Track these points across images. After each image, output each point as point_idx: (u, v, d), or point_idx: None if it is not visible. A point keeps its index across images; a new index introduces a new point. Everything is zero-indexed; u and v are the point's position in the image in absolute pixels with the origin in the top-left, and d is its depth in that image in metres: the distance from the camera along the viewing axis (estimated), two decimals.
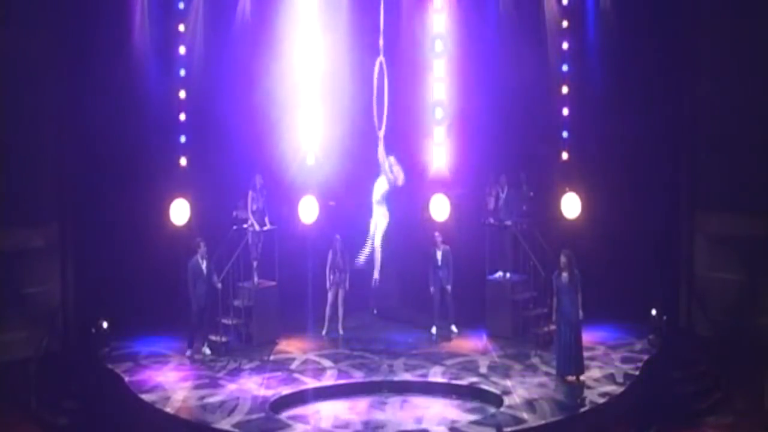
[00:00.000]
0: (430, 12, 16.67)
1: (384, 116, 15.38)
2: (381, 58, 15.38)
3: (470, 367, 14.94)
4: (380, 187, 15.74)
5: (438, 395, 14.22)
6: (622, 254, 16.95)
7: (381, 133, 15.46)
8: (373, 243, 15.56)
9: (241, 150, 16.89)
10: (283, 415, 13.36)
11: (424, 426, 13.10)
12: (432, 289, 16.40)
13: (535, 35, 16.89)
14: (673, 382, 14.62)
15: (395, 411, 13.74)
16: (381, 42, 15.02)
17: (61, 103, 16.24)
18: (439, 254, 16.43)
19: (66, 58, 16.23)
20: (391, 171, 15.47)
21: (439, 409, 13.85)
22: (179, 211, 16.15)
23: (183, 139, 16.46)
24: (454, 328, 16.60)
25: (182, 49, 16.34)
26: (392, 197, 15.81)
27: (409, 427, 13.04)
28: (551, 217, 16.82)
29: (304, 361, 15.37)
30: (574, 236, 15.98)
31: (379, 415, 13.59)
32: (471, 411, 13.70)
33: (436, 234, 16.47)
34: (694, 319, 16.81)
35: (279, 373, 14.74)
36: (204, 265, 15.49)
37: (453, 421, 13.19)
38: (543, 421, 12.83)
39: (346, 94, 16.66)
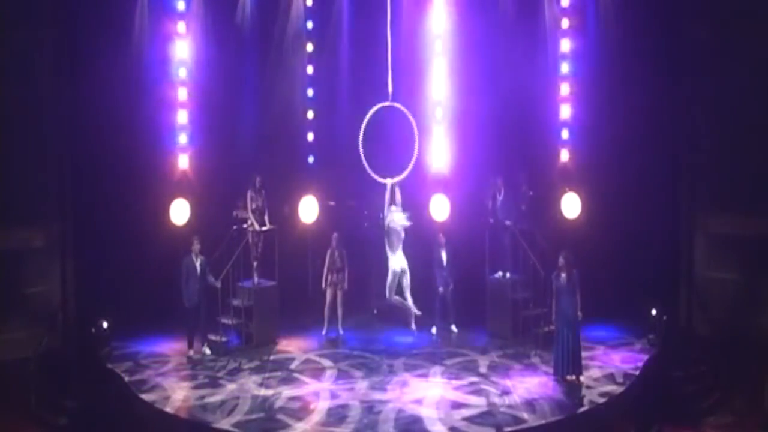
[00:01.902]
0: (430, 12, 16.69)
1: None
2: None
3: (470, 367, 14.95)
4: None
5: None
6: (622, 254, 16.95)
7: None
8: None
9: (241, 150, 16.91)
10: (282, 397, 13.63)
11: (424, 408, 13.21)
12: (441, 289, 16.41)
13: (535, 35, 16.89)
14: (673, 382, 14.62)
15: (395, 393, 13.81)
16: (389, 46, 14.83)
17: (61, 102, 16.24)
18: (443, 254, 16.44)
19: (66, 58, 16.24)
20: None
21: (438, 391, 13.91)
22: (179, 211, 16.16)
23: (184, 139, 16.48)
24: (454, 328, 16.62)
25: (182, 49, 16.35)
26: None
27: (409, 410, 13.15)
28: (551, 217, 16.82)
29: (304, 361, 15.38)
30: (574, 236, 15.98)
31: (378, 397, 13.69)
32: (472, 393, 13.80)
33: (441, 235, 16.49)
34: (694, 319, 16.80)
35: (279, 373, 14.76)
36: (198, 264, 15.49)
37: (453, 404, 13.35)
38: (543, 421, 12.84)
39: (347, 93, 16.69)
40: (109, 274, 16.46)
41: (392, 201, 14.53)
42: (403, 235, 14.61)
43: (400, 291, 14.54)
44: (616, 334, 16.35)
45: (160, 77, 16.36)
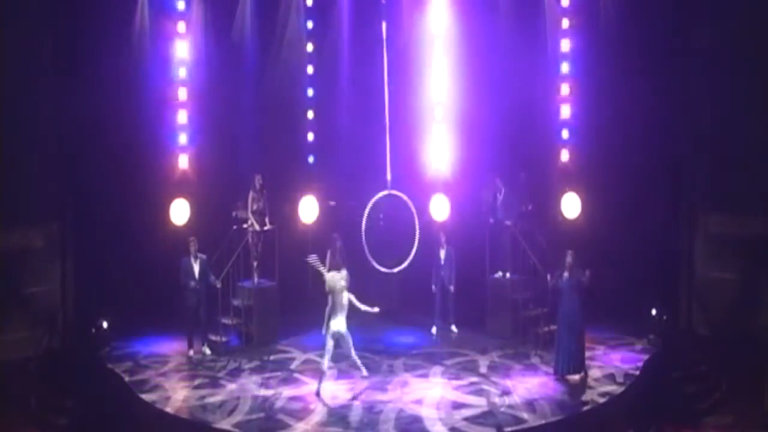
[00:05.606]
0: (430, 11, 16.70)
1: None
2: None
3: (470, 367, 14.96)
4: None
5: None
6: (622, 254, 16.94)
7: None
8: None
9: (241, 150, 16.91)
10: (282, 397, 13.67)
11: (424, 408, 13.23)
12: (434, 288, 16.40)
13: (535, 35, 16.89)
14: (673, 382, 14.63)
15: (395, 393, 13.83)
16: (384, 45, 14.81)
17: (61, 102, 16.24)
18: (442, 254, 16.44)
19: (66, 58, 16.24)
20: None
21: (439, 392, 13.93)
22: (179, 211, 16.17)
23: (184, 139, 16.49)
24: (454, 328, 16.62)
25: (182, 49, 16.35)
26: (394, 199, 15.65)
27: (409, 410, 13.17)
28: (551, 217, 16.82)
29: (304, 361, 15.38)
30: (574, 236, 15.97)
31: (379, 397, 13.70)
32: (471, 393, 13.82)
33: (441, 234, 16.48)
34: (694, 319, 16.81)
35: (279, 373, 14.76)
36: (197, 265, 15.48)
37: (453, 404, 13.38)
38: (543, 421, 12.85)
39: (347, 92, 16.69)
40: (109, 274, 16.48)
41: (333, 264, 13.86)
42: (345, 301, 13.85)
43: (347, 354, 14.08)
44: (616, 334, 16.34)
45: (160, 77, 16.37)
